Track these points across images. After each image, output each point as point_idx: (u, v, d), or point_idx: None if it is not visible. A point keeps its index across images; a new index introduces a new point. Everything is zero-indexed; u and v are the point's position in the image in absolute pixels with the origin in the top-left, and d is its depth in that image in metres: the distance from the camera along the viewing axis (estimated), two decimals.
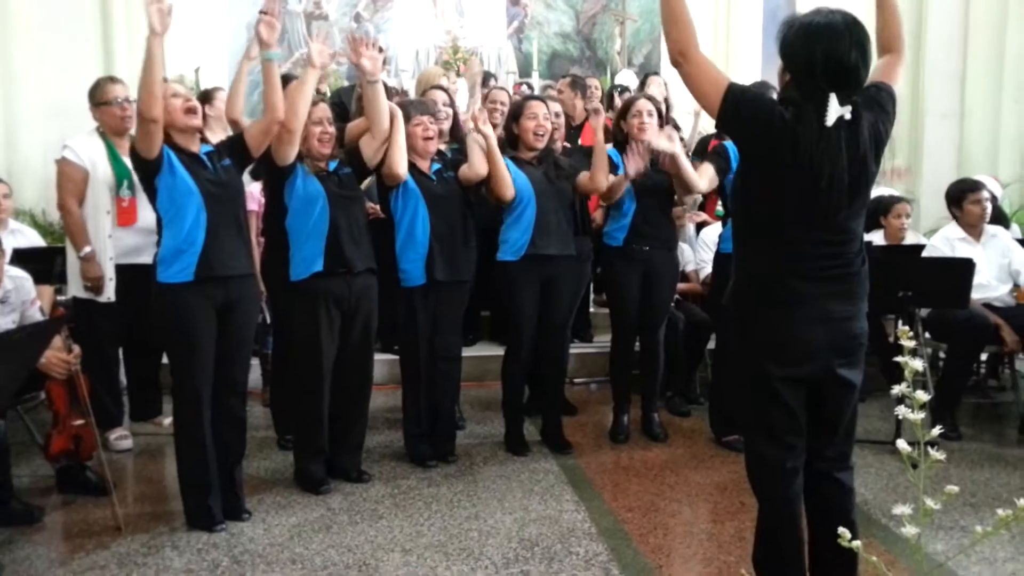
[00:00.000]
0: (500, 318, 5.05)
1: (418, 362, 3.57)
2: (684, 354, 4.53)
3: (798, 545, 2.16)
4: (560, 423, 3.90)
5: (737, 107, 1.99)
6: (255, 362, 4.56)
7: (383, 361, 4.27)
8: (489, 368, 4.69)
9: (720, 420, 3.91)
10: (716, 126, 2.23)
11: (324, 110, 3.30)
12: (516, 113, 3.74)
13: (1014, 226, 5.21)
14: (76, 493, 3.27)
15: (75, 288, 3.79)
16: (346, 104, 4.90)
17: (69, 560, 2.76)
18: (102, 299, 3.75)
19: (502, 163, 3.58)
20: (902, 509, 1.21)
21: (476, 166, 3.57)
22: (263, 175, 3.47)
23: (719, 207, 4.60)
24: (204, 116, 3.09)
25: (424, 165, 3.56)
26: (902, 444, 1.25)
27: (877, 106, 2.05)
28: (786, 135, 1.95)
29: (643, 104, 3.85)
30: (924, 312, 4.21)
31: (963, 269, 3.94)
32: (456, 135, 4.03)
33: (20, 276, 3.24)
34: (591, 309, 5.29)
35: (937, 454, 1.20)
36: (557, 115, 3.87)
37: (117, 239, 3.73)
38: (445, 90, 4.31)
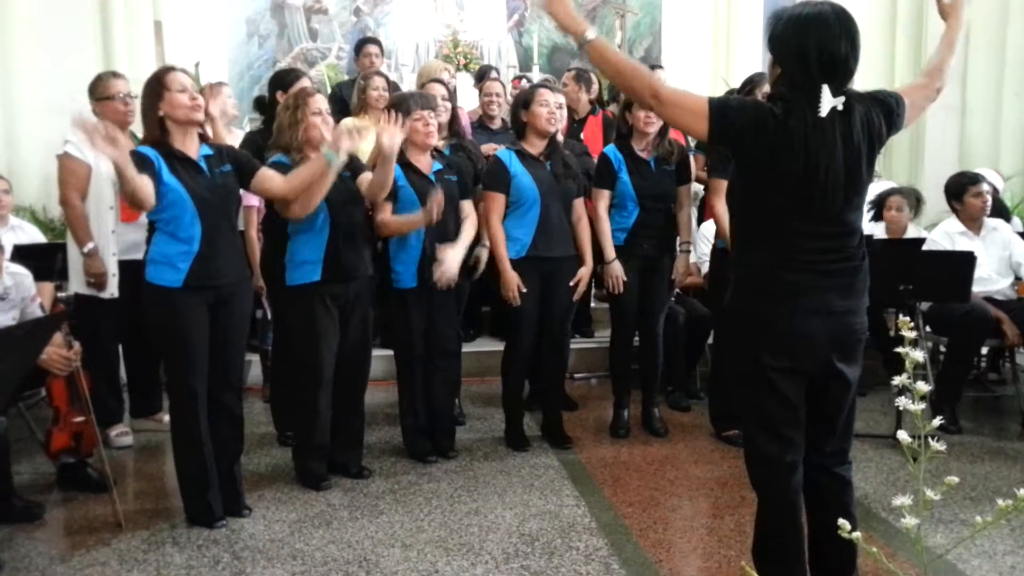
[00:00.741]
0: (500, 314, 5.04)
1: (413, 358, 3.56)
2: (684, 349, 4.52)
3: (798, 539, 2.16)
4: (560, 418, 3.90)
5: (725, 120, 1.98)
6: (255, 358, 4.57)
7: (383, 357, 4.26)
8: (489, 364, 4.69)
9: (720, 415, 3.91)
10: (710, 144, 2.21)
11: (321, 100, 3.24)
12: (526, 101, 3.68)
13: (1015, 219, 5.20)
14: (77, 490, 3.27)
15: (76, 284, 3.78)
16: (346, 99, 4.90)
17: (70, 557, 2.76)
18: (105, 295, 3.74)
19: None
20: (902, 500, 1.21)
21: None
22: None
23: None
24: (206, 112, 3.05)
25: (424, 164, 3.51)
26: (902, 435, 1.24)
27: (873, 101, 2.05)
28: (780, 131, 1.95)
29: None
30: (925, 306, 4.20)
31: (964, 263, 3.93)
32: (454, 130, 4.02)
33: (20, 273, 3.24)
34: (591, 304, 5.28)
35: (937, 445, 1.20)
36: (560, 107, 3.86)
37: (120, 235, 3.72)
38: (445, 84, 4.30)
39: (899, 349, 1.32)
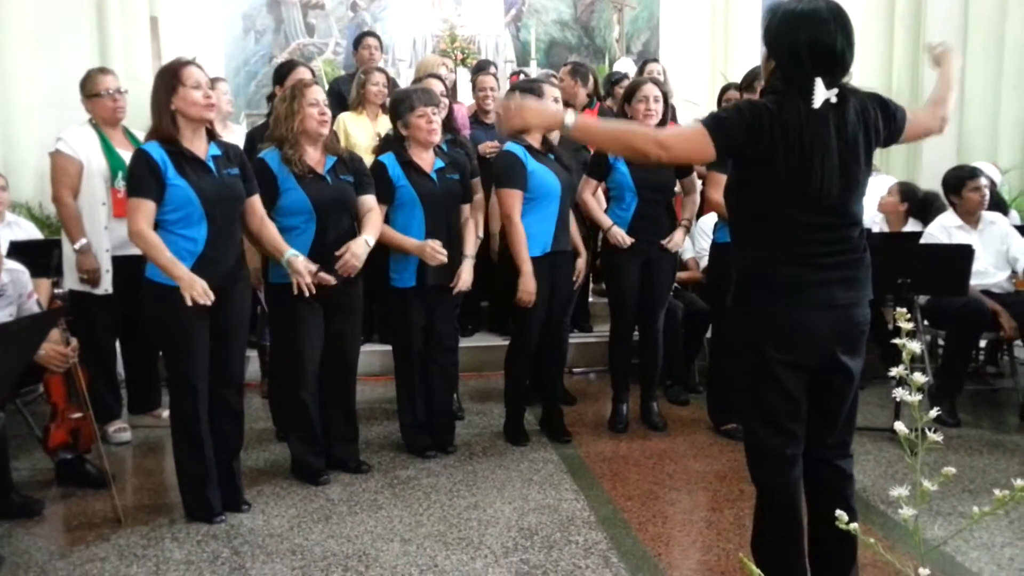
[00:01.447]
0: (499, 309, 5.05)
1: (411, 353, 3.55)
2: (683, 343, 4.53)
3: (798, 532, 2.16)
4: (560, 413, 3.90)
5: (725, 131, 1.98)
6: (253, 354, 4.56)
7: (381, 352, 4.27)
8: (488, 359, 4.69)
9: (719, 408, 3.92)
10: (720, 159, 2.19)
11: (318, 92, 3.20)
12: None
13: (1013, 212, 5.20)
14: (75, 485, 3.27)
15: (71, 281, 3.78)
16: (344, 94, 4.89)
17: (69, 552, 2.76)
18: (99, 291, 3.74)
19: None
20: (899, 491, 1.21)
21: None
22: None
23: None
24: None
25: (426, 161, 3.48)
26: (900, 427, 1.24)
27: (871, 97, 2.05)
28: (775, 124, 1.95)
29: (649, 88, 3.74)
30: (923, 299, 4.21)
31: (962, 256, 3.94)
32: (449, 126, 3.99)
33: (17, 269, 3.23)
34: (590, 299, 5.28)
35: (935, 436, 1.20)
36: (556, 100, 3.84)
37: (113, 230, 3.71)
38: (442, 80, 4.29)
39: (896, 340, 1.32)
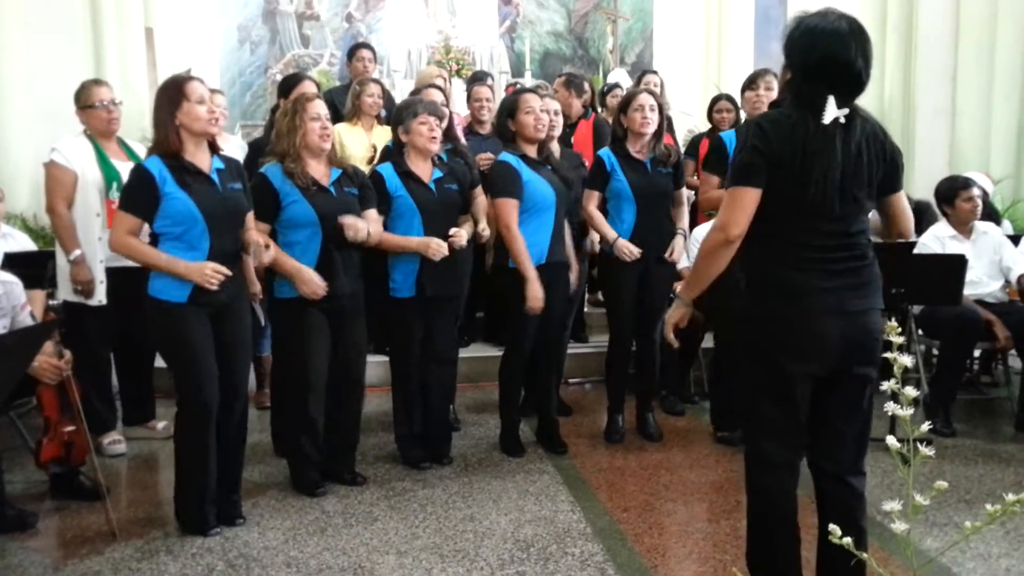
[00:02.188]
0: (494, 319, 5.05)
1: (408, 365, 3.55)
2: (679, 353, 4.52)
3: (792, 544, 2.16)
4: (556, 424, 3.89)
5: (758, 176, 2.00)
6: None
7: (378, 363, 4.26)
8: (484, 370, 4.68)
9: (721, 411, 3.93)
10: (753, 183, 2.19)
11: (320, 106, 3.21)
12: (511, 109, 3.61)
13: (1005, 222, 5.23)
14: (69, 498, 3.25)
15: (65, 292, 3.77)
16: (338, 105, 4.89)
17: (63, 566, 2.74)
18: (93, 302, 3.73)
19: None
20: (892, 505, 1.21)
21: None
22: None
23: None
24: None
25: (424, 171, 3.49)
26: (891, 441, 1.25)
27: (879, 126, 2.07)
28: (784, 140, 1.98)
29: (645, 98, 3.75)
30: (916, 309, 4.22)
31: (955, 266, 3.95)
32: (449, 135, 4.01)
33: (10, 281, 3.22)
34: (586, 309, 5.28)
35: (926, 450, 1.20)
36: (557, 113, 3.82)
37: (107, 242, 3.71)
38: (443, 90, 4.29)
39: (887, 355, 1.32)
